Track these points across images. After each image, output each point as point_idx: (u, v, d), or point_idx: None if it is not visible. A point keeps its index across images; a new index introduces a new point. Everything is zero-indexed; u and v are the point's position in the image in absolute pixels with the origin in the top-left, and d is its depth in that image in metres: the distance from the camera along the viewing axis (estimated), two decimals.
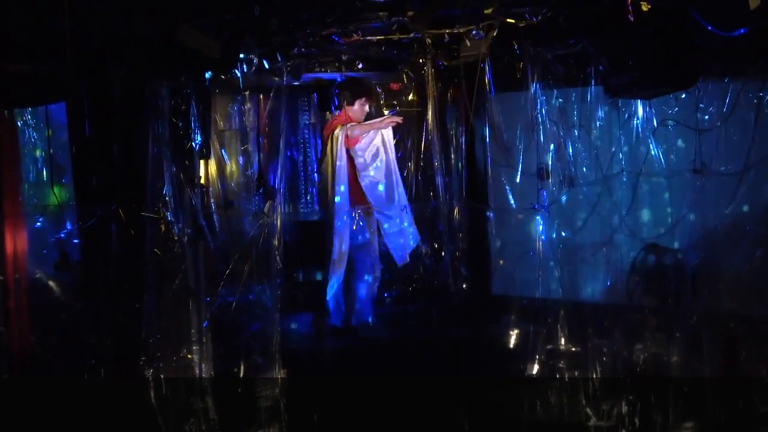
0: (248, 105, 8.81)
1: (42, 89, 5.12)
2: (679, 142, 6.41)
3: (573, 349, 6.33)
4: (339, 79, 8.08)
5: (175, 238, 5.72)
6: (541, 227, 6.63)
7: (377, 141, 7.01)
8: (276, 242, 6.10)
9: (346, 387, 5.82)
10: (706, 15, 4.81)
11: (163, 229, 5.68)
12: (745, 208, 6.02)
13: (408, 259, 7.28)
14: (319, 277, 8.51)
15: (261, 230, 6.14)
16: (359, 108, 7.09)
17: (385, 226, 7.03)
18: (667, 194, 6.61)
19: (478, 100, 6.94)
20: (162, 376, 5.57)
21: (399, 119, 7.05)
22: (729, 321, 5.82)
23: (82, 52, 4.67)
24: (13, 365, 5.63)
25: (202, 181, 6.94)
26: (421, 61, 7.61)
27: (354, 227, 6.94)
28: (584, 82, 6.51)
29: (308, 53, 7.41)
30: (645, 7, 5.02)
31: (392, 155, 7.13)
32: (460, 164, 7.97)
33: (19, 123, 6.15)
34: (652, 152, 6.40)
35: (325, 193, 7.03)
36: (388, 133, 7.11)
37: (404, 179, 7.61)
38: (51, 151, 6.25)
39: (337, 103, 8.22)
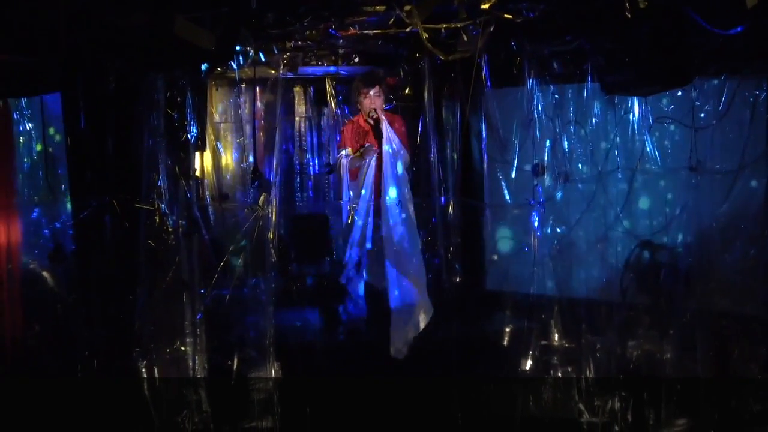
0: (244, 97, 8.80)
1: (36, 80, 5.11)
2: (675, 140, 6.41)
3: (566, 345, 6.34)
4: (334, 72, 8.11)
5: (170, 230, 5.71)
6: (536, 223, 6.64)
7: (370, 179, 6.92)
8: (271, 235, 6.09)
9: (339, 384, 5.83)
10: (702, 13, 4.80)
11: (157, 221, 5.68)
12: (740, 207, 6.03)
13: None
14: (313, 270, 8.57)
15: (255, 223, 6.13)
16: (369, 100, 6.93)
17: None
18: (662, 191, 6.62)
19: (474, 96, 6.92)
20: (155, 368, 5.58)
21: (376, 151, 6.90)
22: (722, 319, 5.83)
23: (76, 43, 4.65)
24: (5, 357, 5.63)
25: (197, 173, 6.94)
26: (417, 55, 7.59)
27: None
28: (580, 78, 6.50)
29: (305, 46, 7.40)
30: (642, 4, 4.99)
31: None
32: (455, 159, 7.96)
33: (14, 114, 6.13)
34: (648, 149, 6.40)
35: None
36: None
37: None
38: (45, 142, 6.23)
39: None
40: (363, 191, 6.84)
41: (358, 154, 6.89)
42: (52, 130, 6.21)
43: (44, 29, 4.23)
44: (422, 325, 6.73)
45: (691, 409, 5.44)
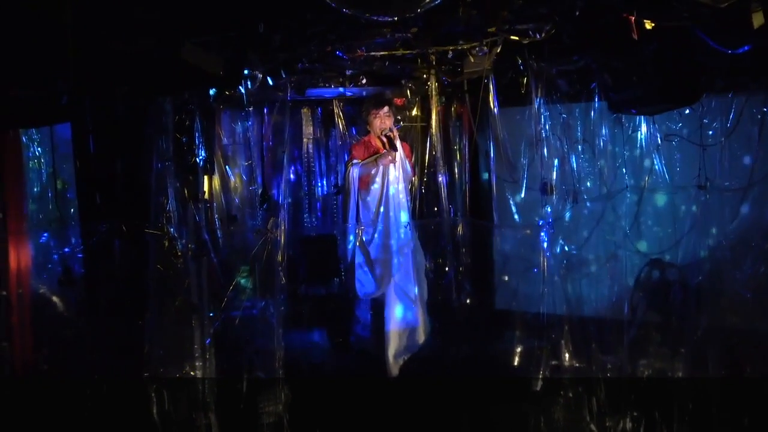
0: (252, 120, 8.82)
1: (46, 111, 5.14)
2: (683, 158, 6.40)
3: (577, 364, 6.31)
4: (341, 94, 8.14)
5: (179, 253, 5.73)
6: (545, 243, 6.62)
7: (380, 190, 6.92)
8: (279, 257, 6.09)
9: (349, 407, 5.81)
10: (709, 33, 4.82)
11: (166, 244, 5.69)
12: (749, 224, 6.01)
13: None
14: (323, 291, 8.56)
15: (264, 245, 6.13)
16: (379, 120, 6.96)
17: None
18: (671, 210, 6.60)
19: (481, 116, 6.94)
20: (164, 392, 5.58)
21: (392, 159, 6.88)
22: (733, 336, 5.80)
23: (85, 68, 4.68)
24: (15, 379, 5.64)
25: (206, 196, 6.95)
26: (424, 76, 7.61)
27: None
28: (588, 97, 6.51)
29: (312, 69, 7.42)
30: (649, 25, 5.02)
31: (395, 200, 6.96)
32: (464, 179, 7.96)
33: (24, 139, 6.17)
34: (656, 168, 6.40)
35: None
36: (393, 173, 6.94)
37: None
38: (55, 167, 6.27)
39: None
40: (371, 207, 6.88)
41: (372, 159, 6.88)
42: (61, 155, 6.24)
43: (52, 60, 4.25)
44: (420, 342, 6.83)
45: (704, 425, 5.41)
